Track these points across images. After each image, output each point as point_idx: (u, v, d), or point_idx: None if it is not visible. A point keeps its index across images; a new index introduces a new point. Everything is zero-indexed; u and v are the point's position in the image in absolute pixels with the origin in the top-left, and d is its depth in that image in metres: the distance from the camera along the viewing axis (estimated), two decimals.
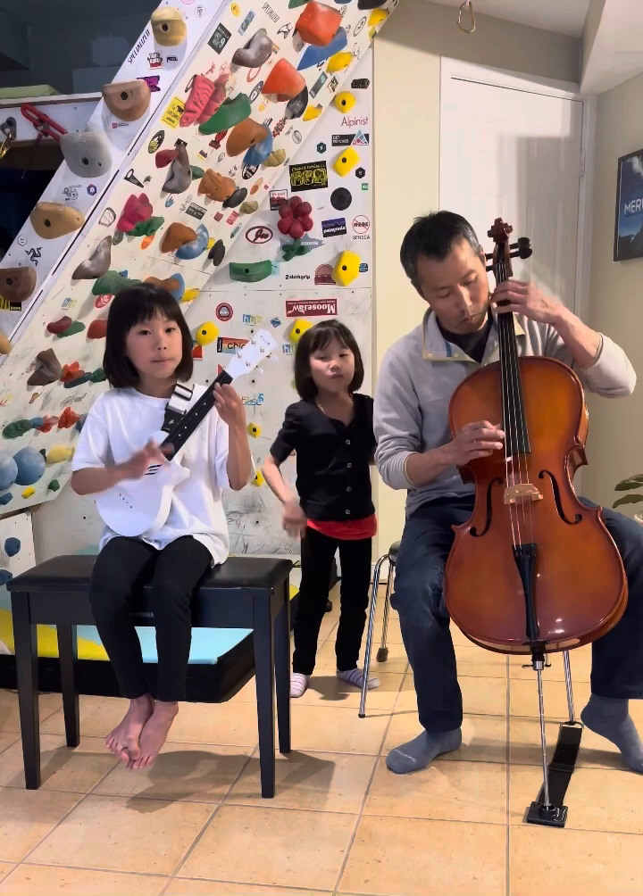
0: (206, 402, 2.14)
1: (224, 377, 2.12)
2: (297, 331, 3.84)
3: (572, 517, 2.05)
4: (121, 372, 2.23)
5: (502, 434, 2.11)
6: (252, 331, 4.01)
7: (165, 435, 2.17)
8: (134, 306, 2.16)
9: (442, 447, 2.26)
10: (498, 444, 2.09)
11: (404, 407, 2.38)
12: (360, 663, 2.88)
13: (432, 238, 2.21)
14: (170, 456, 2.14)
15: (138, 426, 2.22)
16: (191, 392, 2.26)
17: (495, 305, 2.29)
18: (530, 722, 2.53)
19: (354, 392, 2.84)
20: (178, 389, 2.25)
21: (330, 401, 2.78)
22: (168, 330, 2.18)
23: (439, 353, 2.36)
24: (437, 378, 2.36)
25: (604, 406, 3.66)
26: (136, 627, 2.13)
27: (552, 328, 2.33)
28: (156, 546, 2.21)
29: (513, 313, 2.29)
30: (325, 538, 2.78)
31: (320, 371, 2.71)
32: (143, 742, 2.09)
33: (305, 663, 2.86)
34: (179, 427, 2.16)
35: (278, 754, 2.29)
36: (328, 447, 2.75)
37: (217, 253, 3.86)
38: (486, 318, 2.37)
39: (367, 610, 2.85)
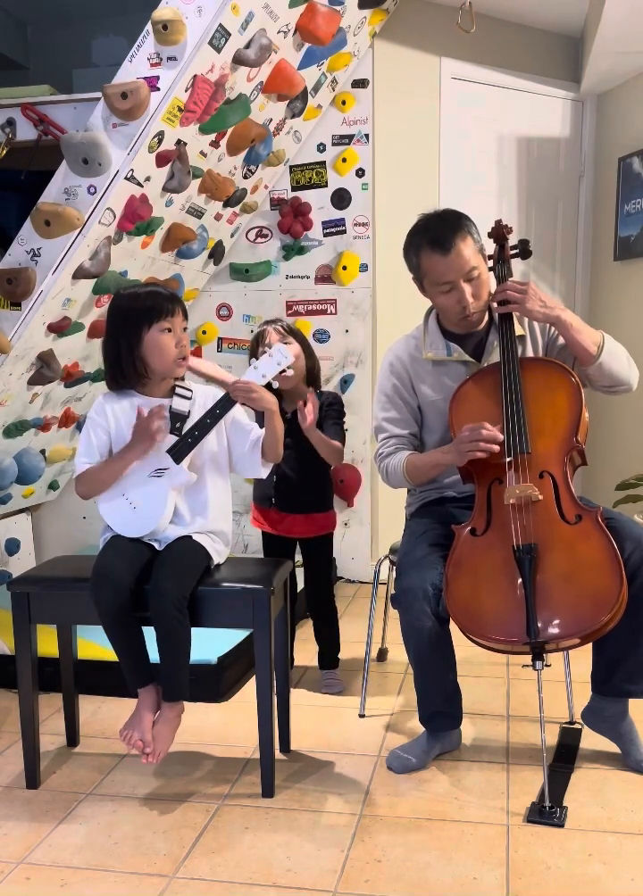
0: (220, 409, 2.15)
1: (228, 403, 2.15)
2: None
3: (572, 517, 2.05)
4: (135, 370, 2.19)
5: (501, 436, 2.11)
6: (252, 331, 4.01)
7: (174, 438, 2.17)
8: (158, 304, 2.16)
9: (442, 448, 2.26)
10: (496, 448, 2.09)
11: (403, 406, 2.38)
12: (338, 666, 2.89)
13: (437, 233, 2.22)
14: (178, 460, 2.15)
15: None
16: (191, 391, 2.27)
17: (495, 305, 2.30)
18: (530, 722, 2.53)
19: (318, 390, 2.79)
20: (178, 390, 2.25)
21: (287, 395, 2.73)
22: (184, 330, 2.21)
23: (439, 353, 2.36)
24: (436, 378, 2.36)
25: (604, 407, 3.67)
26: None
27: (552, 328, 2.34)
28: (156, 546, 2.20)
29: (514, 313, 2.29)
30: (274, 535, 2.79)
31: None
32: (155, 736, 2.09)
33: None
34: (190, 433, 2.16)
35: (278, 754, 2.29)
36: None
37: (217, 253, 3.86)
38: (486, 318, 2.37)
39: (332, 615, 2.86)
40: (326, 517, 2.81)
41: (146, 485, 2.17)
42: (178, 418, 2.20)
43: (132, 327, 2.17)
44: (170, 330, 2.16)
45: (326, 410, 2.73)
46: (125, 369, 2.19)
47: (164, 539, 2.20)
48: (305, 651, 2.96)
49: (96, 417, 2.22)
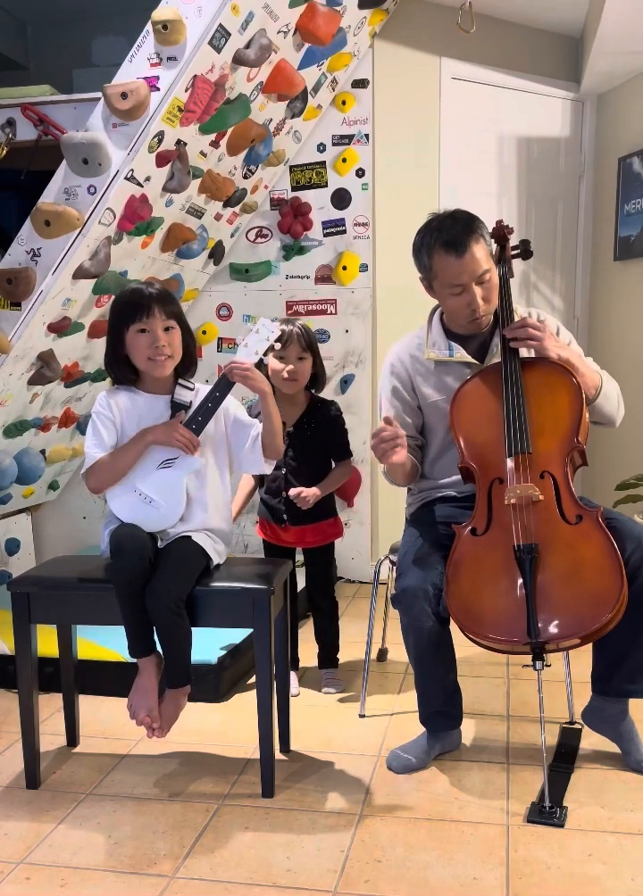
0: (219, 392, 2.16)
1: (226, 384, 2.16)
2: None
3: (573, 517, 2.05)
4: (120, 370, 2.24)
5: (401, 432, 2.08)
6: (251, 328, 4.02)
7: None
8: (134, 304, 2.17)
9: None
10: (402, 443, 2.07)
11: (402, 406, 2.38)
12: (338, 666, 2.89)
13: (451, 234, 2.20)
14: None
15: (141, 424, 2.21)
16: (194, 386, 2.27)
17: (508, 336, 2.27)
18: (529, 722, 2.53)
19: (316, 395, 2.78)
20: (181, 382, 2.26)
21: (282, 401, 2.69)
22: (166, 329, 2.18)
23: (442, 353, 2.36)
24: (438, 378, 2.36)
25: None
26: None
27: None
28: (159, 543, 2.20)
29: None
30: (276, 543, 2.79)
31: (275, 372, 2.67)
32: (161, 713, 2.11)
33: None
34: (194, 418, 2.17)
35: (278, 754, 2.29)
36: None
37: (217, 253, 3.86)
38: (490, 319, 2.37)
39: (333, 611, 2.87)
40: (333, 524, 2.81)
41: (157, 477, 2.18)
42: (179, 407, 2.22)
43: (116, 327, 2.21)
44: (145, 331, 2.16)
45: (332, 422, 2.74)
46: (114, 366, 2.24)
47: (166, 538, 2.20)
48: (305, 652, 2.96)
49: (103, 410, 2.23)
